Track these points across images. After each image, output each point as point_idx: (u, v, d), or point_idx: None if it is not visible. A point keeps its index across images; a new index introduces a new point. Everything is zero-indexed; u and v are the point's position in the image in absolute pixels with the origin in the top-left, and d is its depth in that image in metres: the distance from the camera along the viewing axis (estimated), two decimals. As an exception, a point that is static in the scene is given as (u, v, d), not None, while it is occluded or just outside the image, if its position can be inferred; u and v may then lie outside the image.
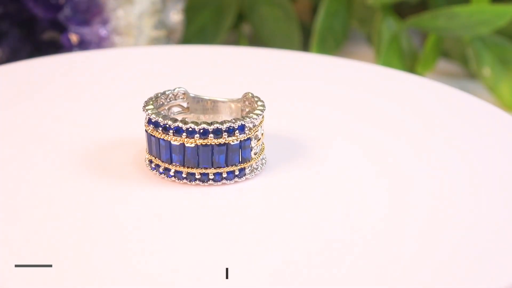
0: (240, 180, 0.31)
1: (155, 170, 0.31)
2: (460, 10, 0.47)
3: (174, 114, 0.34)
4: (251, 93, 0.33)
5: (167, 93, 0.33)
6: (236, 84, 0.39)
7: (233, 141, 0.31)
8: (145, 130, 0.31)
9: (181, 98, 0.34)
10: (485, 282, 0.27)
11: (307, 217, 0.30)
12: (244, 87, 0.34)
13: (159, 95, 0.33)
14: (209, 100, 0.34)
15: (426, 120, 0.36)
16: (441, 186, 0.32)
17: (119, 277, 0.27)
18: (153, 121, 0.31)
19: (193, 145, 0.30)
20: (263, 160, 0.32)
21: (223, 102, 0.34)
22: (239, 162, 0.31)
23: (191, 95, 0.34)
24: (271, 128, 0.35)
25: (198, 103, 0.34)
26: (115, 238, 0.28)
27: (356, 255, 0.28)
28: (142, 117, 0.33)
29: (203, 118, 0.34)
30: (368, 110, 0.37)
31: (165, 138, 0.31)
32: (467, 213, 0.30)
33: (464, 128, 0.36)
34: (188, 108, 0.34)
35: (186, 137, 0.30)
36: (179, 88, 0.33)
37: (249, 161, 0.31)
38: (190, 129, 0.30)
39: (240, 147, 0.31)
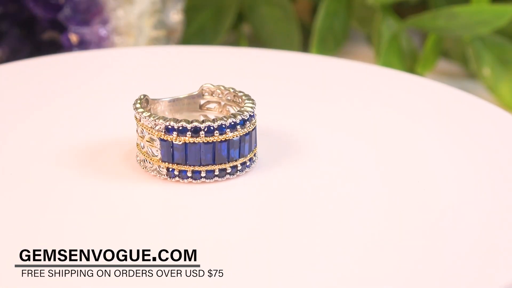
0: (248, 170, 0.32)
1: (177, 178, 0.31)
2: (460, 10, 0.47)
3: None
4: (211, 84, 0.33)
5: (138, 101, 0.32)
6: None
7: (244, 133, 0.31)
8: (160, 139, 0.31)
9: (145, 104, 0.33)
10: (485, 281, 0.27)
11: (299, 214, 0.30)
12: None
13: (138, 105, 0.32)
14: (167, 99, 0.34)
15: (426, 120, 0.36)
16: (441, 185, 0.32)
17: (119, 277, 0.27)
18: (175, 127, 0.31)
19: (225, 140, 0.31)
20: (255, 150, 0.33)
21: (187, 97, 0.34)
22: (249, 152, 0.32)
23: (162, 99, 0.34)
24: (270, 127, 0.35)
25: (158, 104, 0.33)
26: (116, 237, 0.28)
27: (355, 253, 0.28)
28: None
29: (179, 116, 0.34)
30: (367, 110, 0.37)
31: (196, 141, 0.31)
32: (467, 212, 0.30)
33: (464, 128, 0.36)
34: (150, 112, 0.33)
35: (219, 134, 0.30)
36: (143, 95, 0.33)
37: (254, 149, 0.32)
38: (222, 125, 0.30)
39: (250, 137, 0.32)
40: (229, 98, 0.33)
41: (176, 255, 0.28)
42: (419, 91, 0.39)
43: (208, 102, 0.34)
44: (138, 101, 0.32)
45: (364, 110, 0.37)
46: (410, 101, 0.38)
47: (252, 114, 0.31)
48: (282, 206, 0.30)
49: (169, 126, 0.31)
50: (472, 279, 0.27)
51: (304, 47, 0.53)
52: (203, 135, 0.30)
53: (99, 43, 0.45)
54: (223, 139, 0.31)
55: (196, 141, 0.31)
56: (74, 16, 0.45)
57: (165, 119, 0.31)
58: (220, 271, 0.27)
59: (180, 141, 0.31)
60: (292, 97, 0.38)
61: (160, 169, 0.31)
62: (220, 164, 0.31)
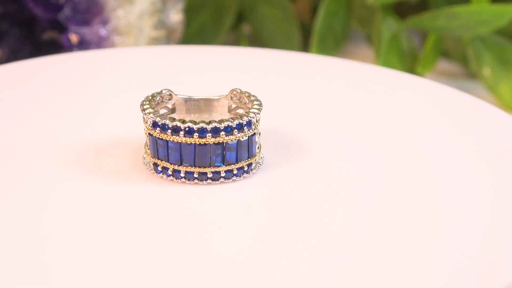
0: (248, 176, 0.31)
1: (161, 173, 0.31)
2: (460, 10, 0.47)
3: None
4: (239, 89, 0.33)
5: (155, 95, 0.33)
6: (235, 84, 0.39)
7: (242, 137, 0.31)
8: (149, 133, 0.31)
9: (168, 100, 0.33)
10: (485, 282, 0.27)
11: (300, 217, 0.30)
12: (244, 87, 0.34)
13: (150, 98, 0.33)
14: (191, 99, 0.34)
15: (426, 120, 0.36)
16: (441, 185, 0.32)
17: (119, 277, 0.27)
18: (159, 124, 0.31)
19: (205, 144, 0.30)
20: (262, 154, 0.32)
21: (206, 100, 0.34)
22: (248, 158, 0.31)
23: (178, 96, 0.34)
24: (271, 127, 0.35)
25: (185, 103, 0.34)
26: (116, 238, 0.28)
27: (356, 254, 0.28)
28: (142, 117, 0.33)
29: (189, 118, 0.34)
30: (368, 110, 0.37)
31: (175, 140, 0.31)
32: (468, 213, 0.30)
33: (464, 128, 0.36)
34: (173, 109, 0.34)
35: (198, 137, 0.30)
36: (165, 89, 0.33)
37: (255, 156, 0.32)
38: (201, 128, 0.30)
39: (248, 142, 0.31)
40: (250, 106, 0.33)
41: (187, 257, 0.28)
42: (419, 91, 0.39)
43: (237, 107, 0.34)
44: (155, 95, 0.32)
45: (364, 110, 0.37)
46: (410, 102, 0.38)
47: (244, 124, 0.31)
48: (282, 208, 0.30)
49: (155, 122, 0.31)
50: (472, 280, 0.27)
51: (304, 47, 0.54)
52: (183, 135, 0.30)
53: (99, 43, 0.45)
54: (202, 143, 0.30)
55: (177, 140, 0.31)
56: (74, 16, 0.45)
57: (155, 114, 0.31)
58: (220, 272, 0.27)
59: (162, 138, 0.31)
60: (292, 97, 0.38)
61: (150, 163, 0.31)
62: (201, 167, 0.31)
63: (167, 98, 0.33)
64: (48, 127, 0.35)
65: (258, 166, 0.32)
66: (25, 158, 0.33)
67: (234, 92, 0.33)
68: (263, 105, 0.32)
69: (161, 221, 0.29)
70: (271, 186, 0.31)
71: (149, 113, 0.31)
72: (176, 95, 0.34)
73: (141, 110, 0.31)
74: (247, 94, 0.33)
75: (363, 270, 0.27)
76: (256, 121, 0.31)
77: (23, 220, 0.29)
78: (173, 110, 0.34)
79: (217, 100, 0.34)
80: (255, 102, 0.32)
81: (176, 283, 0.27)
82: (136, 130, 0.34)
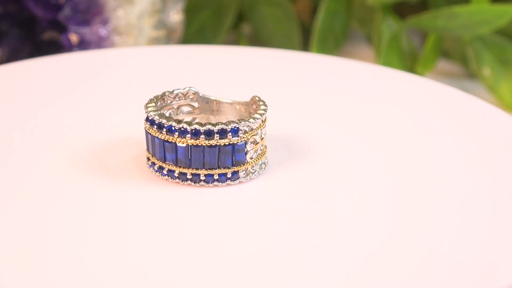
0: (232, 183, 0.31)
1: (152, 168, 0.31)
2: (460, 10, 0.47)
3: (183, 114, 0.34)
4: (258, 97, 0.33)
5: (175, 92, 0.33)
6: (236, 84, 0.39)
7: (224, 144, 0.30)
8: (144, 127, 0.31)
9: (191, 98, 0.34)
10: (485, 282, 0.27)
11: (299, 220, 0.30)
12: (244, 87, 0.34)
13: (166, 93, 0.33)
14: (215, 101, 0.34)
15: (426, 120, 0.36)
16: (442, 186, 0.32)
17: (117, 277, 0.27)
18: (150, 118, 0.31)
19: (184, 145, 0.30)
20: (263, 165, 0.32)
21: (230, 104, 0.34)
22: (232, 165, 0.31)
23: (200, 95, 0.34)
24: (270, 128, 0.35)
25: (207, 104, 0.34)
26: (113, 238, 0.28)
27: (358, 258, 0.28)
28: (142, 117, 0.33)
29: (213, 119, 0.34)
30: (368, 110, 0.37)
31: (159, 137, 0.31)
32: (468, 213, 0.30)
33: (464, 128, 0.36)
34: (198, 108, 0.34)
35: (178, 137, 0.30)
36: (190, 87, 0.33)
37: (244, 164, 0.31)
38: (182, 129, 0.30)
39: (233, 150, 0.31)
40: None
41: (173, 258, 0.28)
42: (419, 91, 0.39)
43: (250, 115, 0.33)
44: (176, 92, 0.33)
45: (364, 110, 0.37)
46: (410, 101, 0.38)
47: (228, 130, 0.30)
48: (282, 209, 0.30)
49: (147, 116, 0.31)
50: (472, 281, 0.27)
51: (304, 47, 0.54)
52: (165, 132, 0.31)
53: (99, 43, 0.45)
54: (182, 143, 0.30)
55: (161, 137, 0.31)
56: (74, 16, 0.45)
57: (152, 108, 0.31)
58: (214, 273, 0.27)
59: (151, 133, 0.31)
60: (292, 97, 0.38)
61: (145, 157, 0.32)
62: (181, 167, 0.31)
63: (191, 97, 0.33)
64: (48, 127, 0.35)
65: (250, 176, 0.31)
66: (26, 158, 0.33)
67: (254, 100, 0.33)
68: (264, 115, 0.31)
69: (159, 221, 0.29)
70: (271, 187, 0.31)
71: (149, 106, 0.31)
72: (200, 94, 0.34)
73: (144, 106, 0.32)
74: (260, 103, 0.32)
75: (365, 271, 0.27)
76: (250, 130, 0.31)
77: (24, 220, 0.29)
78: (197, 109, 0.34)
79: (238, 104, 0.33)
80: (257, 113, 0.31)
81: (176, 283, 0.27)
82: (136, 130, 0.34)
